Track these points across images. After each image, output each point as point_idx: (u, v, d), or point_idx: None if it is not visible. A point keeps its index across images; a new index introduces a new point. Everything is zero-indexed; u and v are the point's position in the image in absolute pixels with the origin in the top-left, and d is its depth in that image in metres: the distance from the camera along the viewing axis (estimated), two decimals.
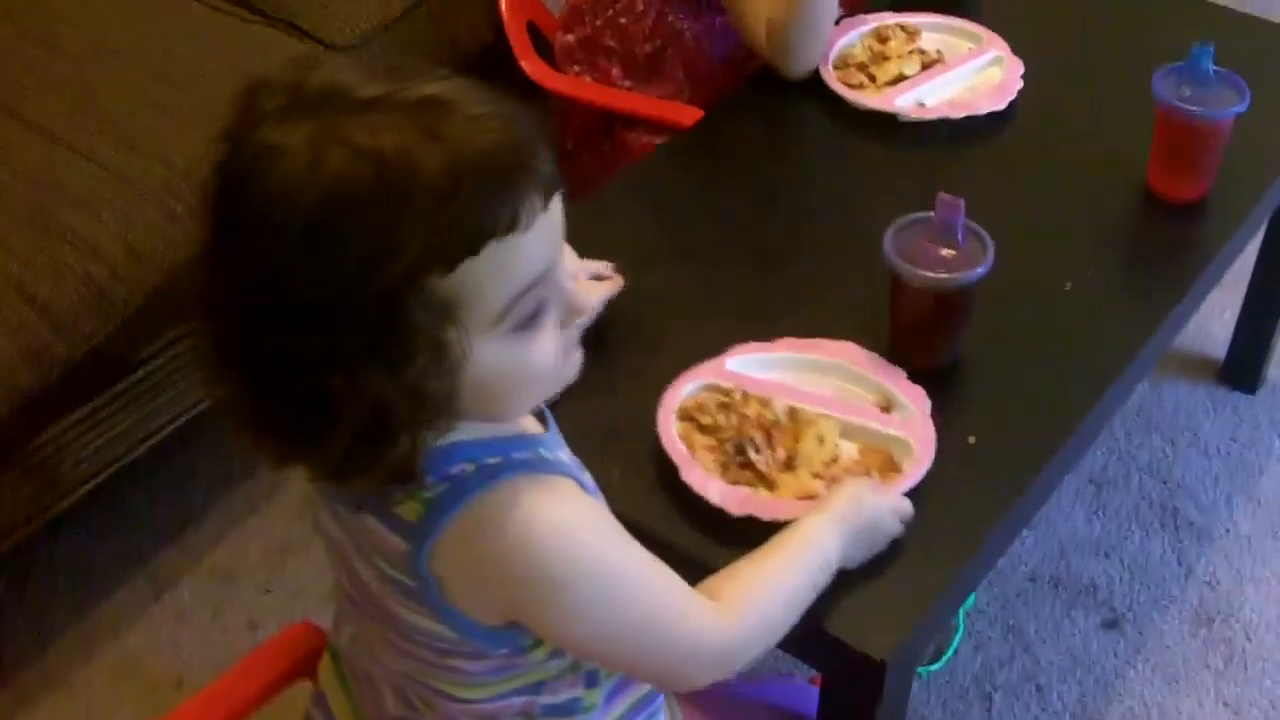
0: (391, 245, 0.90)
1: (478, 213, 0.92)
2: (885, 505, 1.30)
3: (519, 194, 0.93)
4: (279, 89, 0.94)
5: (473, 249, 0.92)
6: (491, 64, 2.20)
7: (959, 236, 1.45)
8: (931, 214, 1.46)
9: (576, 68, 2.14)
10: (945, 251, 1.45)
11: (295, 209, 0.90)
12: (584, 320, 1.05)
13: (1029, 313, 1.60)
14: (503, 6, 2.18)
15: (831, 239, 1.71)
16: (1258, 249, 2.20)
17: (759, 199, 1.78)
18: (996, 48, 1.96)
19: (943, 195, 1.45)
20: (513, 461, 1.04)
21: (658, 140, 1.99)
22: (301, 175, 0.90)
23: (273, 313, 0.93)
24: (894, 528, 1.31)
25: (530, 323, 0.98)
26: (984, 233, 1.46)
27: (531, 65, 2.14)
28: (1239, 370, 2.38)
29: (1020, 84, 1.90)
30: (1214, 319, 2.45)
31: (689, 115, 1.95)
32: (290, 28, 2.20)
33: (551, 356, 1.01)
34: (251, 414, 0.98)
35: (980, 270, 1.44)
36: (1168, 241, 1.74)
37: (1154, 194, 1.76)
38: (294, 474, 1.02)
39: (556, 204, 0.98)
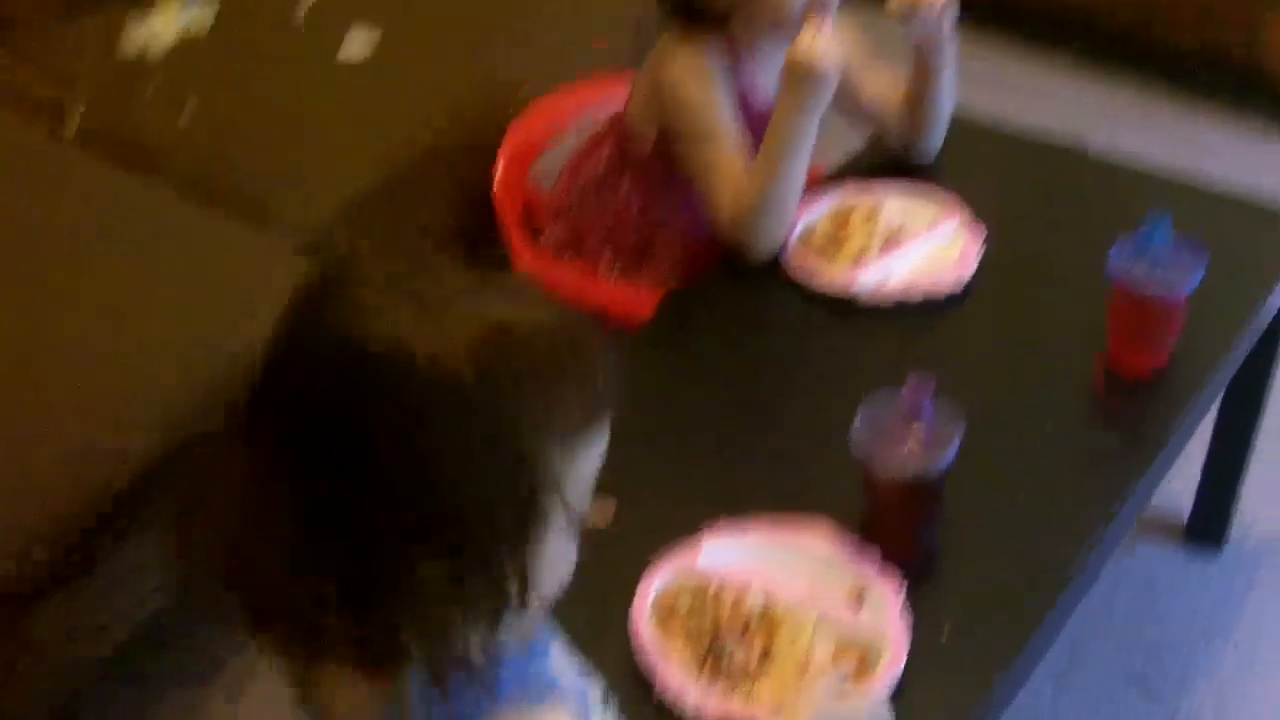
0: (537, 417, 0.91)
1: (603, 388, 0.95)
2: (851, 715, 1.29)
3: (609, 385, 0.96)
4: (361, 278, 0.94)
5: (595, 424, 0.94)
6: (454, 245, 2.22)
7: (929, 418, 1.46)
8: (900, 389, 1.47)
9: (568, 253, 2.15)
10: (915, 435, 1.47)
11: (451, 389, 0.89)
12: None
13: (1000, 491, 1.61)
14: (496, 192, 2.16)
15: (801, 418, 1.73)
16: (1216, 405, 2.23)
17: (727, 381, 1.80)
18: (957, 216, 2.00)
19: (912, 377, 1.46)
20: (517, 677, 1.02)
21: None
22: (446, 358, 0.89)
23: (388, 479, 0.91)
24: None
25: (575, 525, 0.98)
26: (954, 411, 1.48)
27: (528, 259, 2.13)
28: (1205, 527, 2.39)
29: (981, 253, 1.94)
30: (1176, 478, 2.45)
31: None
32: (250, 218, 2.20)
33: (568, 569, 1.01)
34: (292, 587, 0.95)
35: (948, 458, 1.45)
36: (1132, 414, 1.77)
37: (1116, 366, 1.78)
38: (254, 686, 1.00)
39: None
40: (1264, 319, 1.96)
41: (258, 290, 2.12)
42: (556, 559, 0.97)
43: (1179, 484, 2.41)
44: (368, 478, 0.91)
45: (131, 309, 2.03)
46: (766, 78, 2.00)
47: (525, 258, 2.13)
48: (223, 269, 2.08)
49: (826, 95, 1.88)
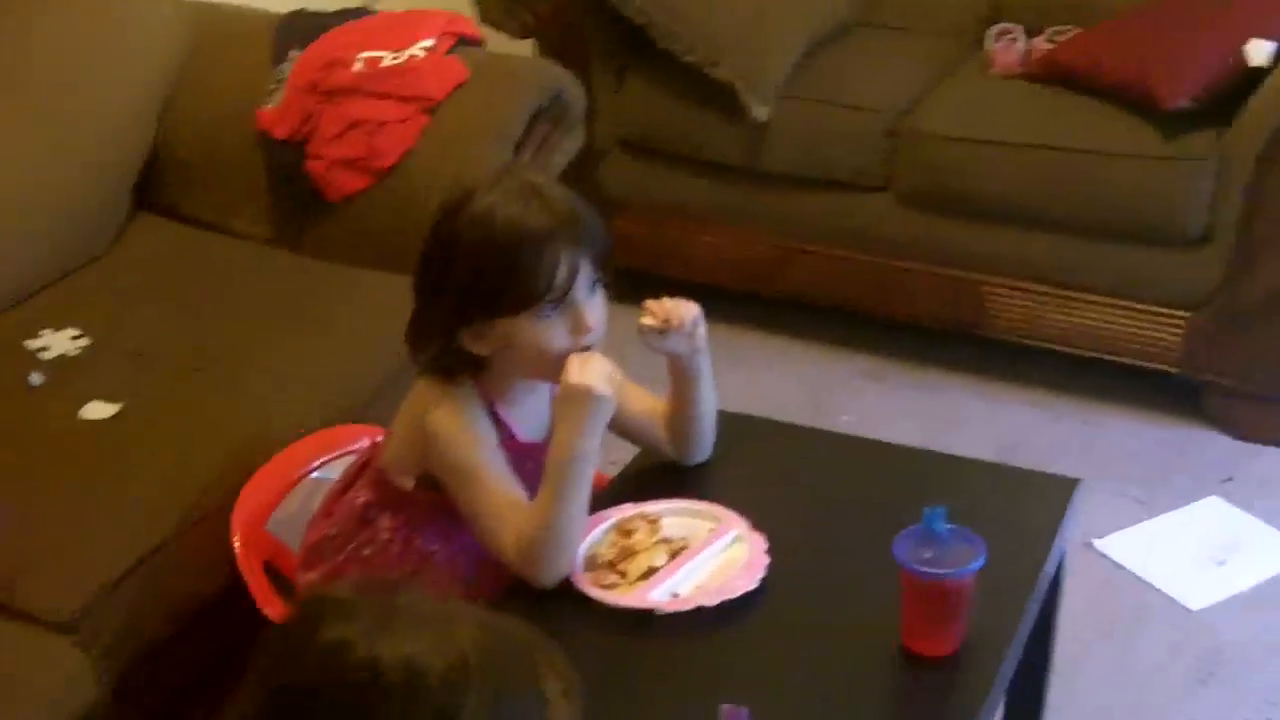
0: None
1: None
2: None
3: None
4: (350, 609, 1.05)
5: None
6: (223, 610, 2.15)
7: None
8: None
9: None
10: None
11: (460, 694, 1.02)
12: None
13: None
14: (236, 549, 2.13)
15: None
16: None
17: None
18: (736, 525, 2.02)
19: (724, 709, 1.45)
20: None
21: None
22: (457, 668, 1.02)
23: None
24: None
25: None
26: None
27: (275, 610, 2.08)
28: None
29: (767, 559, 1.95)
30: None
31: None
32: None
33: None
34: None
35: None
36: (932, 698, 1.79)
37: (912, 652, 1.80)
38: None
39: None
40: (1043, 585, 2.02)
41: (16, 678, 2.02)
42: None
43: None
44: None
45: None
46: (523, 416, 2.02)
47: (277, 608, 2.08)
48: None
49: (606, 417, 1.91)
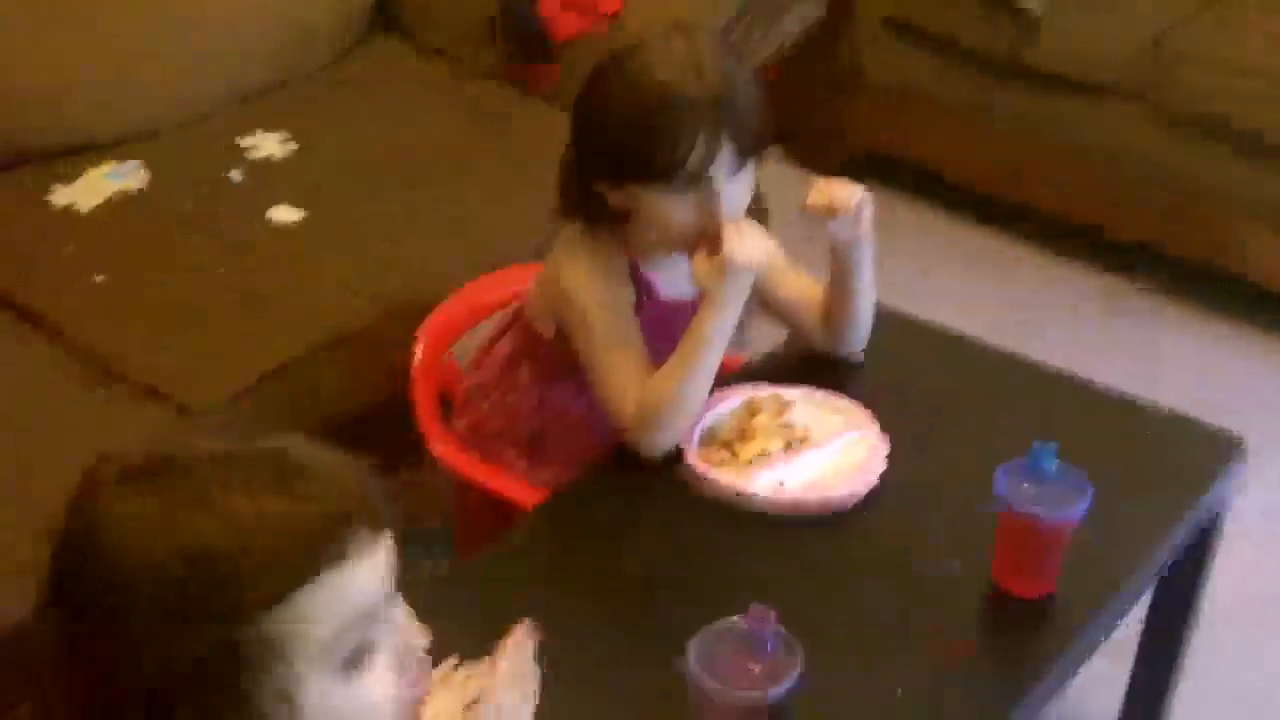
0: (233, 588, 0.98)
1: (312, 546, 1.00)
2: None
3: (349, 527, 1.02)
4: (123, 460, 1.03)
5: (306, 579, 0.99)
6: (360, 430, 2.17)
7: (769, 648, 1.42)
8: (741, 619, 1.43)
9: (471, 444, 2.10)
10: (755, 664, 1.41)
11: (150, 563, 0.98)
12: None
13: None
14: (413, 374, 2.12)
15: (670, 637, 1.56)
16: (1143, 616, 2.13)
17: (601, 594, 1.75)
18: (864, 427, 1.96)
19: (755, 606, 1.42)
20: None
21: None
22: (155, 532, 0.98)
23: (117, 663, 0.99)
24: None
25: (358, 661, 1.03)
26: (796, 643, 1.43)
27: (439, 447, 2.10)
28: None
29: (884, 466, 1.89)
30: (1101, 692, 2.35)
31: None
32: (151, 393, 2.16)
33: (383, 699, 1.06)
34: None
35: (786, 686, 1.40)
36: (1008, 639, 1.72)
37: (1001, 588, 1.73)
38: None
39: (387, 542, 1.06)
40: (1172, 543, 1.90)
41: None
42: (312, 704, 1.01)
43: (1107, 702, 2.32)
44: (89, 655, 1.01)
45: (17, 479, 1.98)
46: (667, 273, 1.97)
47: (437, 446, 2.10)
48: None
49: (745, 292, 1.87)
